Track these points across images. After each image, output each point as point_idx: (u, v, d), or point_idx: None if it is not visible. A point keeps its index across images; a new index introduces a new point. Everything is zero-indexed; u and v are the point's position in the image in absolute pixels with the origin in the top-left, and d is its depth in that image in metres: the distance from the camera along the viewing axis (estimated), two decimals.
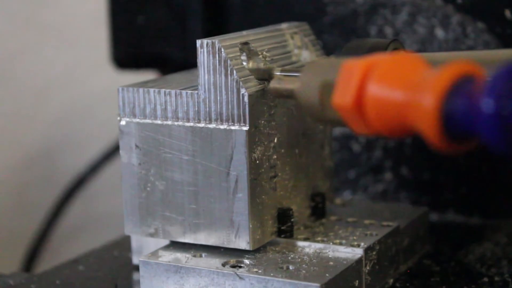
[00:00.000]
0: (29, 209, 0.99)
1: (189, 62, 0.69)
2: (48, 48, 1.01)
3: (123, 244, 0.60)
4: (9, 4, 1.00)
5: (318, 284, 0.47)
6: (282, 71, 0.51)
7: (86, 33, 1.01)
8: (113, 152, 0.89)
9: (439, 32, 0.64)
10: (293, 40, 0.55)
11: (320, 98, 0.45)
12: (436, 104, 0.38)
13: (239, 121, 0.49)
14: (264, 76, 0.51)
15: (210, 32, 0.73)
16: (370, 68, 0.41)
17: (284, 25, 0.56)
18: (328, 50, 0.63)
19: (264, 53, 0.52)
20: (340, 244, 0.51)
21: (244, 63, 0.51)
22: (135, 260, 0.56)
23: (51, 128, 1.02)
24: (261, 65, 0.51)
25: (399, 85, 0.40)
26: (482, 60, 0.46)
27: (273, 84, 0.50)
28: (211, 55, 0.50)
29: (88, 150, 0.98)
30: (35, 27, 1.01)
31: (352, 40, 0.52)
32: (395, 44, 0.51)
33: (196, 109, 0.51)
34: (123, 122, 0.52)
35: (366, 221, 0.55)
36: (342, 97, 0.42)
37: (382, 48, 0.50)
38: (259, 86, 0.50)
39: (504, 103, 0.36)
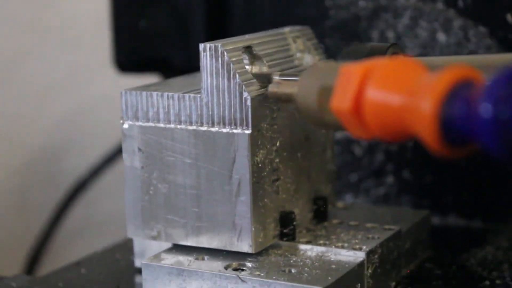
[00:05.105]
0: (31, 211, 0.99)
1: (191, 66, 0.69)
2: (51, 50, 1.01)
3: (126, 247, 0.60)
4: (11, 6, 1.00)
5: (320, 287, 0.47)
6: (281, 75, 0.51)
7: (88, 35, 1.01)
8: (115, 155, 0.89)
9: (441, 36, 0.64)
10: (296, 44, 0.56)
11: (318, 102, 0.45)
12: (434, 109, 0.38)
13: (241, 125, 0.50)
14: (264, 80, 0.51)
15: (212, 35, 0.73)
16: (368, 72, 0.42)
17: (286, 29, 0.56)
18: (330, 54, 0.63)
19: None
20: (342, 247, 0.51)
21: (247, 67, 0.51)
22: (138, 263, 0.56)
23: (54, 130, 1.02)
24: (264, 69, 0.52)
25: (397, 89, 0.41)
26: (481, 64, 0.46)
27: (272, 88, 0.50)
28: (214, 59, 0.50)
29: (90, 152, 0.98)
30: (37, 29, 1.01)
31: (350, 44, 0.52)
32: (394, 48, 0.51)
33: (199, 112, 0.51)
34: (125, 126, 0.53)
35: (368, 225, 0.55)
36: (340, 102, 0.42)
37: (381, 52, 0.51)
38: (262, 89, 0.50)
39: (502, 107, 0.37)
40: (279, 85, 0.50)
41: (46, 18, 1.01)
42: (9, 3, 1.00)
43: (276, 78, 0.51)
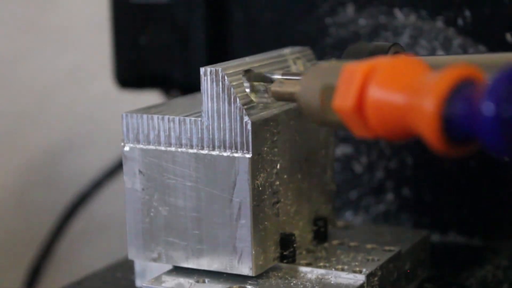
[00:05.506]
0: (32, 212, 0.99)
1: (191, 82, 0.70)
2: (51, 51, 1.01)
3: (127, 266, 0.60)
4: (11, 7, 1.00)
5: None
6: (283, 74, 0.51)
7: (88, 36, 1.01)
8: (116, 169, 0.89)
9: (441, 55, 0.64)
10: (296, 65, 0.56)
11: (321, 101, 0.45)
12: (436, 107, 0.38)
13: (242, 149, 0.50)
14: (265, 80, 0.51)
15: (213, 51, 0.73)
16: (371, 71, 0.42)
17: (286, 50, 0.56)
18: None
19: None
20: (342, 270, 0.51)
21: (247, 90, 0.51)
22: (138, 283, 0.56)
23: (54, 130, 1.02)
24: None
25: (399, 88, 0.40)
26: (483, 63, 0.46)
27: (275, 87, 0.50)
28: (214, 83, 0.50)
29: (90, 152, 0.98)
30: (37, 30, 1.01)
31: (352, 44, 0.52)
32: (396, 47, 0.51)
33: (200, 136, 0.51)
34: (127, 148, 0.53)
35: (368, 246, 0.55)
36: (343, 100, 0.42)
37: (383, 51, 0.50)
38: (262, 113, 0.51)
39: (504, 106, 0.37)
40: (281, 84, 0.50)
41: (46, 18, 1.01)
42: (9, 3, 1.00)
43: (279, 77, 0.51)
